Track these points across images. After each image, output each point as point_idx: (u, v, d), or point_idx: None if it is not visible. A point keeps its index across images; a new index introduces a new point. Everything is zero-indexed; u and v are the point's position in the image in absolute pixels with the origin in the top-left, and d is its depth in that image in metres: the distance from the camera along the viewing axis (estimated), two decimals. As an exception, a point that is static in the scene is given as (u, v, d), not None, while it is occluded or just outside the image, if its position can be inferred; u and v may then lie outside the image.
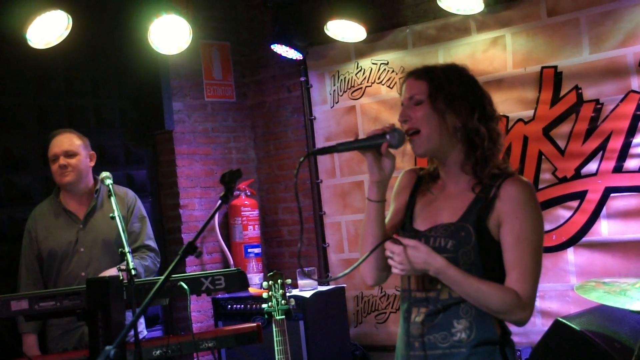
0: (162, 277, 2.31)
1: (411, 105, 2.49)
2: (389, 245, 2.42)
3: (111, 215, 3.72)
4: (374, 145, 2.45)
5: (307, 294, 5.29)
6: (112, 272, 4.13)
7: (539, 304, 5.01)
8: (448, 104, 2.45)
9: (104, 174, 4.14)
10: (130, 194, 4.67)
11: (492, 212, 2.43)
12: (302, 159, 2.45)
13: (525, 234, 2.40)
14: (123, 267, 3.49)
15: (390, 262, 2.42)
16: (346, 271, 2.50)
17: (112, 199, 3.84)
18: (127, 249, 3.49)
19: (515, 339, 2.54)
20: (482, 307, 2.39)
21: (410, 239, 2.41)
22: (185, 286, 3.54)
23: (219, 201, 2.38)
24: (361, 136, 2.50)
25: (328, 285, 5.80)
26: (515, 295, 2.36)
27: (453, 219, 2.47)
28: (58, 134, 4.54)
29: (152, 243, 4.64)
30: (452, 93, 2.46)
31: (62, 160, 4.44)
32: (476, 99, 2.50)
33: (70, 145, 4.49)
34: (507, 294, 2.36)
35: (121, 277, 3.45)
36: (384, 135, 2.43)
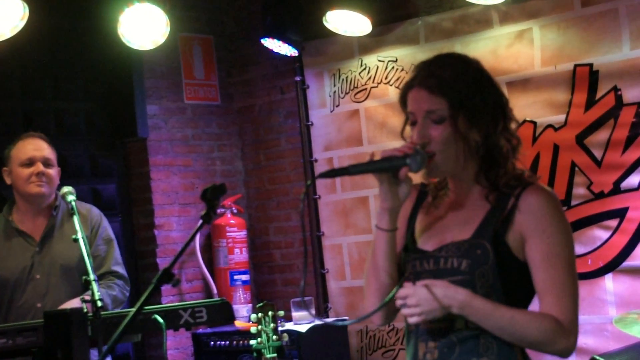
0: (134, 309, 2.30)
1: (429, 122, 2.47)
2: (398, 293, 2.42)
3: (73, 237, 3.70)
4: (392, 169, 2.44)
5: (303, 328, 5.27)
6: (74, 303, 4.10)
7: (572, 340, 5.00)
8: (470, 120, 2.45)
9: (66, 188, 4.13)
10: (95, 211, 4.65)
11: (511, 226, 2.43)
12: (308, 183, 2.45)
13: (557, 249, 2.40)
14: (87, 297, 3.48)
15: (404, 311, 2.41)
16: (354, 320, 2.50)
17: (75, 218, 3.82)
18: (92, 276, 3.48)
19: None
20: (517, 341, 2.38)
21: (422, 281, 2.40)
22: (161, 319, 3.53)
23: (200, 220, 2.37)
24: (367, 148, 2.50)
25: (327, 317, 5.77)
26: (554, 322, 2.35)
27: (466, 235, 2.47)
28: (31, 137, 4.52)
29: (121, 269, 4.63)
30: (475, 107, 2.46)
31: (42, 168, 4.42)
32: (498, 106, 2.51)
33: (50, 153, 4.47)
34: (546, 322, 2.36)
35: (85, 310, 3.43)
36: (405, 158, 2.42)
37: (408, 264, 2.54)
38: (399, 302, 2.42)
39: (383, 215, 2.50)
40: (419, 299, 2.37)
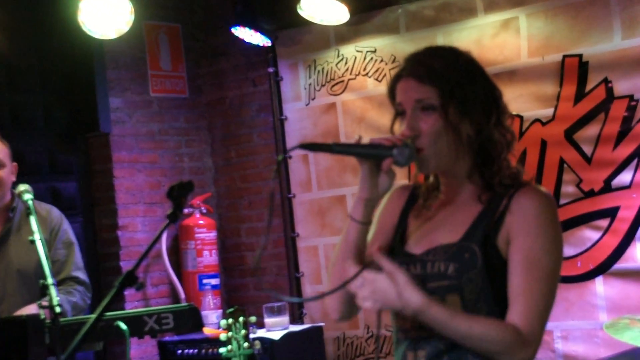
0: (94, 315, 2.28)
1: (418, 113, 2.47)
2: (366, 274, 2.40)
3: (30, 238, 3.67)
4: (376, 157, 2.44)
5: (276, 335, 5.26)
6: (31, 309, 4.07)
7: (561, 346, 5.01)
8: (462, 111, 2.46)
9: (22, 187, 4.09)
10: (55, 212, 4.62)
11: (501, 228, 2.43)
12: (280, 158, 2.44)
13: (538, 254, 2.39)
14: (45, 303, 3.45)
15: (357, 292, 2.40)
16: (309, 298, 2.49)
17: (32, 219, 3.79)
18: (50, 281, 3.46)
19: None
20: (477, 349, 2.39)
21: (389, 263, 2.39)
22: (124, 326, 3.51)
23: (166, 220, 2.35)
24: (356, 140, 2.47)
25: (302, 324, 5.77)
26: (514, 332, 2.36)
27: (455, 238, 2.47)
28: None
29: (82, 274, 4.61)
30: (466, 97, 2.46)
31: None
32: (491, 98, 2.52)
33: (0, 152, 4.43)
34: (505, 332, 2.36)
35: (42, 316, 3.40)
36: (392, 149, 2.42)
37: None
38: (353, 286, 2.40)
39: (358, 206, 2.49)
40: (375, 288, 2.37)
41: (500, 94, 2.54)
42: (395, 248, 2.57)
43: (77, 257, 4.63)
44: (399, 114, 2.52)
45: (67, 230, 4.64)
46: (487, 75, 2.55)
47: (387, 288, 2.36)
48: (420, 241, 2.54)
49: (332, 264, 2.56)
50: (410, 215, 2.62)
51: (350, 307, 2.60)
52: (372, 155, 2.45)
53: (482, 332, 2.36)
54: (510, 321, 2.37)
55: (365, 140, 2.46)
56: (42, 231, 3.85)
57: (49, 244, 4.43)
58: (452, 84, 2.45)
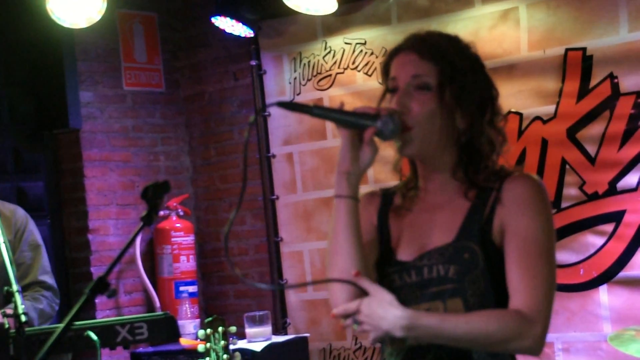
0: (63, 325, 2.27)
1: (412, 91, 2.47)
2: (345, 307, 2.39)
3: (-7, 240, 3.66)
4: (358, 126, 2.44)
5: (258, 347, 5.26)
6: (-6, 318, 4.07)
7: (562, 359, 5.02)
8: (458, 98, 2.46)
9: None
10: (20, 212, 4.62)
11: (494, 221, 2.45)
12: (252, 119, 2.44)
13: (535, 235, 2.41)
14: (9, 311, 3.44)
15: (362, 327, 2.39)
16: (295, 284, 2.48)
17: (-5, 219, 3.78)
18: (15, 287, 3.44)
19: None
20: (481, 346, 2.39)
21: (370, 284, 2.38)
22: (95, 337, 3.49)
23: (140, 223, 2.34)
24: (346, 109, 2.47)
25: (285, 335, 5.76)
26: (516, 314, 2.36)
27: (448, 238, 2.47)
28: None
29: (49, 279, 4.60)
30: (465, 85, 2.47)
31: None
32: (488, 95, 2.53)
33: None
34: (507, 316, 2.37)
35: (6, 325, 3.39)
36: (376, 118, 2.41)
37: (386, 278, 2.53)
38: (348, 321, 2.39)
39: (341, 181, 2.49)
40: (368, 315, 2.35)
41: (497, 94, 2.56)
42: (385, 256, 2.57)
43: (44, 260, 4.62)
44: (390, 90, 2.51)
45: (33, 232, 4.62)
46: (487, 73, 2.57)
47: (369, 314, 2.36)
48: (410, 246, 2.54)
49: (332, 251, 2.52)
50: (390, 220, 2.62)
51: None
52: (353, 123, 2.44)
53: (483, 323, 2.36)
54: (512, 307, 2.38)
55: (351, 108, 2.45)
56: (6, 233, 3.83)
57: (13, 246, 4.41)
58: (454, 67, 2.46)
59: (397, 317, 2.33)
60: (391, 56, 2.54)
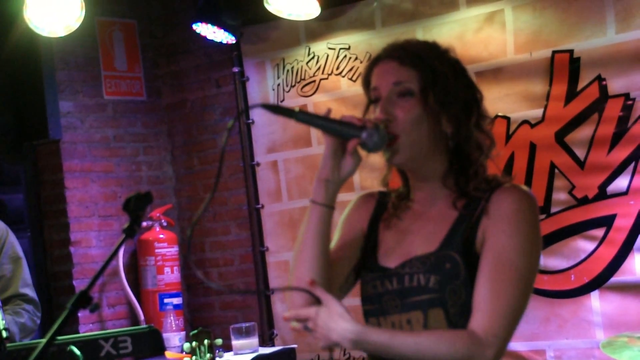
0: (45, 340, 2.26)
1: (395, 98, 2.47)
2: (298, 312, 2.40)
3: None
4: (342, 135, 2.44)
5: (245, 359, 5.24)
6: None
7: (554, 366, 5.03)
8: (442, 102, 2.46)
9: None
10: (0, 225, 4.60)
11: (478, 232, 2.45)
12: (231, 123, 2.41)
13: (510, 255, 2.40)
14: (-10, 326, 3.42)
15: (313, 334, 2.40)
16: (280, 287, 2.48)
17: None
18: (-5, 302, 3.43)
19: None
20: None
21: (324, 293, 2.38)
22: (77, 351, 3.48)
23: (123, 235, 2.34)
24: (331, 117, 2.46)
25: (273, 346, 5.75)
26: (469, 337, 2.35)
27: (431, 247, 2.47)
28: None
29: (30, 291, 4.59)
30: (448, 88, 2.47)
31: None
32: (472, 97, 2.53)
33: None
34: (458, 340, 2.36)
35: (-12, 341, 3.38)
36: (361, 129, 2.41)
37: (367, 284, 2.54)
38: (299, 326, 2.40)
39: (319, 187, 2.49)
40: (318, 324, 2.36)
41: (482, 97, 2.56)
42: (368, 262, 2.58)
43: (25, 272, 4.61)
44: (373, 101, 2.52)
45: (14, 244, 4.62)
46: (469, 76, 2.58)
47: (325, 322, 2.37)
48: (394, 253, 2.54)
49: (296, 257, 2.54)
50: (381, 226, 2.62)
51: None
52: (338, 132, 2.44)
53: (432, 345, 2.35)
54: (470, 326, 2.38)
55: (336, 116, 2.44)
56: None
57: (-7, 259, 4.42)
58: (435, 71, 2.47)
59: (345, 330, 2.34)
60: (371, 67, 2.55)
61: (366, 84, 2.56)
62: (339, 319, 2.35)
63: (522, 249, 2.41)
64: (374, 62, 2.54)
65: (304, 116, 2.46)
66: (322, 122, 2.45)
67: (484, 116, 2.54)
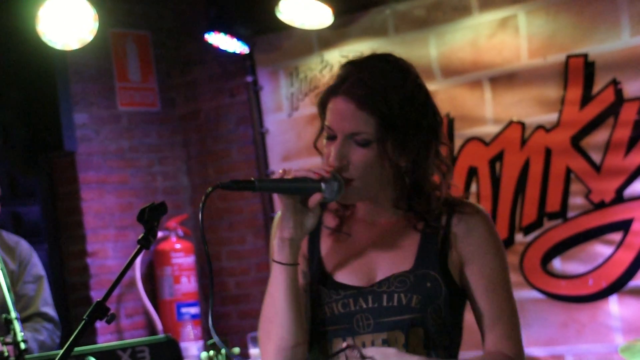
0: (62, 350, 2.27)
1: (351, 144, 2.40)
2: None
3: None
4: (304, 192, 2.39)
5: (263, 369, 5.24)
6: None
7: (573, 372, 5.02)
8: (400, 145, 2.40)
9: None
10: (24, 245, 4.61)
11: (450, 252, 2.45)
12: (209, 190, 2.35)
13: (499, 275, 2.46)
14: (9, 339, 3.44)
15: None
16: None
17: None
18: (13, 314, 3.44)
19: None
20: None
21: (375, 348, 2.36)
22: (96, 362, 3.49)
23: (138, 246, 2.34)
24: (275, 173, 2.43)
25: None
26: (506, 358, 2.41)
27: (405, 266, 2.44)
28: None
29: (51, 311, 4.59)
30: (407, 129, 2.39)
31: None
32: (432, 129, 2.45)
33: None
34: None
35: (6, 353, 3.38)
36: (320, 183, 2.37)
37: (334, 303, 2.46)
38: None
39: (283, 248, 2.41)
40: None
41: (441, 121, 2.49)
42: (321, 279, 2.49)
43: (46, 292, 4.61)
44: (329, 137, 2.43)
45: (37, 264, 4.63)
46: (432, 101, 2.47)
47: None
48: (356, 271, 2.48)
49: (265, 318, 2.49)
50: (323, 239, 2.55)
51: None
52: (298, 191, 2.38)
53: None
54: (495, 348, 2.42)
55: (290, 175, 2.37)
56: (11, 263, 3.83)
57: (17, 277, 4.43)
58: (394, 115, 2.38)
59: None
60: (328, 95, 2.45)
61: (321, 108, 2.47)
62: (400, 355, 2.33)
63: (505, 265, 2.48)
64: (332, 92, 2.43)
65: (262, 184, 2.38)
66: (282, 184, 2.38)
67: (442, 142, 2.48)
